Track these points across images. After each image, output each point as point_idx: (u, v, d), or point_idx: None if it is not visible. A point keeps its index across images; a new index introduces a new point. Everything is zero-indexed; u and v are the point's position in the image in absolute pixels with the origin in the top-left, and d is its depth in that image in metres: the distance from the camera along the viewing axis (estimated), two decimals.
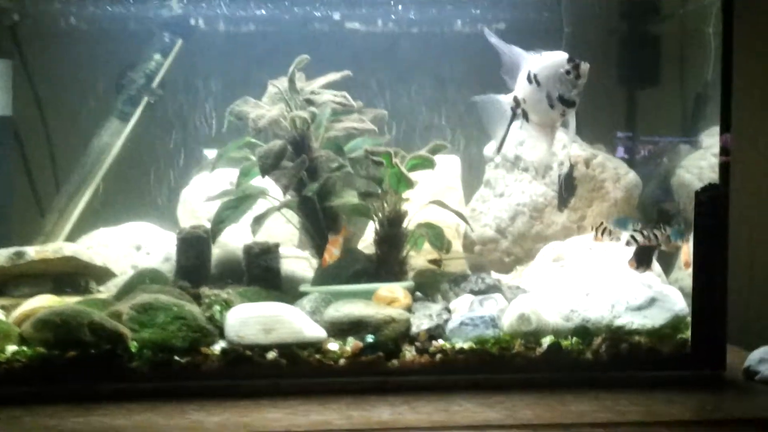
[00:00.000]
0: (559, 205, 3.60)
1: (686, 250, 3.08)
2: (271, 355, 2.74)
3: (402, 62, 3.93)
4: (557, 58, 2.69)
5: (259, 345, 2.75)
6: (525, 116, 2.80)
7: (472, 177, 3.93)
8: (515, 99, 2.80)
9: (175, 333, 2.74)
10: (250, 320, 2.80)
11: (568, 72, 2.65)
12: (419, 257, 3.51)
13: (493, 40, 2.80)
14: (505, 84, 2.85)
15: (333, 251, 3.17)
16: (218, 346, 2.77)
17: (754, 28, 3.39)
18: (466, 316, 2.94)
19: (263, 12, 3.69)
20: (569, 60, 2.67)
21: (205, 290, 3.06)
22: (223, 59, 3.86)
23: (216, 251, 3.55)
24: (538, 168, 3.48)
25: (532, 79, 2.71)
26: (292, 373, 2.72)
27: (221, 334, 2.80)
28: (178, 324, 2.78)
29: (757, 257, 3.63)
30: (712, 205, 2.86)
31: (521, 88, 2.77)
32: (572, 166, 3.62)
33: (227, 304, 2.92)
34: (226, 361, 2.72)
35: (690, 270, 3.06)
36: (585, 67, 2.66)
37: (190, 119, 3.90)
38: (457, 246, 3.67)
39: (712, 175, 3.51)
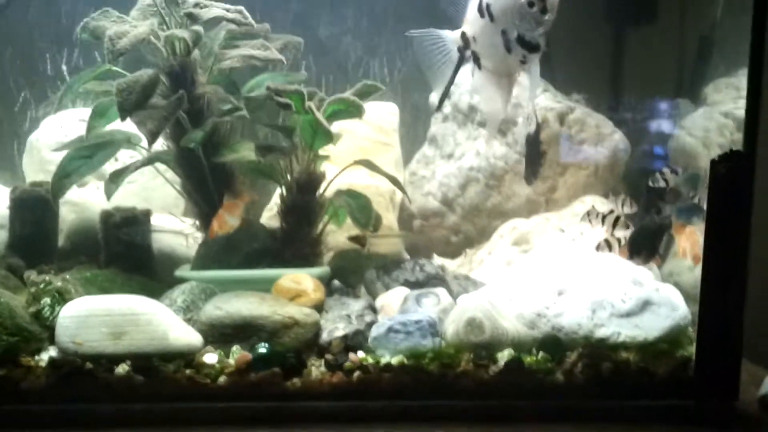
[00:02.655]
0: (527, 174, 3.07)
1: (691, 237, 2.65)
2: (122, 369, 2.34)
3: None
4: None
5: (104, 355, 2.33)
6: (476, 60, 2.40)
7: (415, 130, 3.51)
8: (463, 37, 2.38)
9: None
10: (92, 319, 2.36)
11: (530, 3, 2.24)
12: (340, 233, 3.05)
13: None
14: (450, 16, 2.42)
15: (226, 219, 2.66)
16: (46, 355, 2.36)
17: None
18: (396, 320, 2.46)
19: None
20: None
21: (32, 275, 2.57)
22: None
23: (71, 216, 3.09)
24: (490, 129, 3.02)
25: (484, 11, 2.31)
26: (151, 395, 2.36)
27: (52, 339, 2.38)
28: None
29: None
30: (732, 181, 2.39)
31: (471, 23, 2.37)
32: (539, 124, 3.08)
33: (61, 296, 2.43)
34: (57, 377, 2.34)
35: (690, 261, 2.70)
36: None
37: (40, 37, 3.35)
38: (390, 220, 3.22)
39: (720, 140, 3.13)
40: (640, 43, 3.44)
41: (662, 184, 2.66)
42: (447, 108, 3.32)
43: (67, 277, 2.49)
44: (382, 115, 3.33)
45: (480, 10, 2.31)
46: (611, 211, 2.72)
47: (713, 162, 2.44)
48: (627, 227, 2.66)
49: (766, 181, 2.55)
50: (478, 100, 3.28)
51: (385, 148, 3.33)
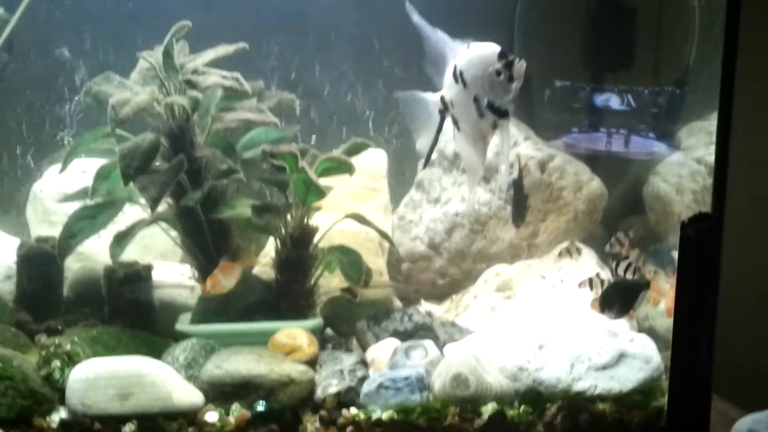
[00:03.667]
0: (515, 219, 3.13)
1: (659, 288, 2.68)
2: (129, 428, 2.39)
3: (317, 32, 3.40)
4: (485, 51, 2.22)
5: (112, 415, 2.39)
6: (455, 122, 2.37)
7: (403, 173, 3.51)
8: (442, 100, 2.35)
9: None
10: (100, 381, 2.42)
11: (498, 72, 2.20)
12: (333, 278, 3.07)
13: (416, 18, 2.32)
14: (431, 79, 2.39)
15: (220, 280, 2.67)
16: (57, 417, 2.42)
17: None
18: (386, 377, 2.55)
19: None
20: (500, 56, 2.20)
21: (42, 337, 2.62)
22: (88, 17, 3.30)
23: (75, 267, 3.11)
24: (470, 183, 3.01)
25: (458, 77, 2.28)
26: None
27: (62, 400, 2.44)
28: (2, 386, 2.38)
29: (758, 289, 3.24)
30: (701, 243, 2.42)
31: (448, 88, 2.33)
32: (521, 171, 3.14)
33: (70, 359, 2.49)
34: None
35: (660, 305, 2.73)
36: (520, 66, 2.19)
37: (44, 94, 3.36)
38: (380, 265, 3.22)
39: (692, 186, 3.18)
40: (616, 86, 3.44)
41: (617, 248, 2.71)
42: (434, 154, 3.28)
43: (76, 339, 2.53)
44: (371, 162, 3.33)
45: (455, 76, 2.29)
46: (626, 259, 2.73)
47: (683, 224, 2.47)
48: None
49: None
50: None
51: (373, 193, 3.34)
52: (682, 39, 3.34)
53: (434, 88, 2.38)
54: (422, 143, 2.53)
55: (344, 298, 3.00)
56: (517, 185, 3.20)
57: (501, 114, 2.27)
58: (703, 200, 3.25)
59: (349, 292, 2.93)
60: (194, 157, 2.79)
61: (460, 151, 2.68)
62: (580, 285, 2.68)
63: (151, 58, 2.81)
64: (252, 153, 2.86)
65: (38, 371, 2.44)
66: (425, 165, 2.73)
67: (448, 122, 2.46)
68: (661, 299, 2.71)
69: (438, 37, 2.31)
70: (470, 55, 2.24)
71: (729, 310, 2.58)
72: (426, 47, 2.33)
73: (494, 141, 3.24)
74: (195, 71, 2.74)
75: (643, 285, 2.63)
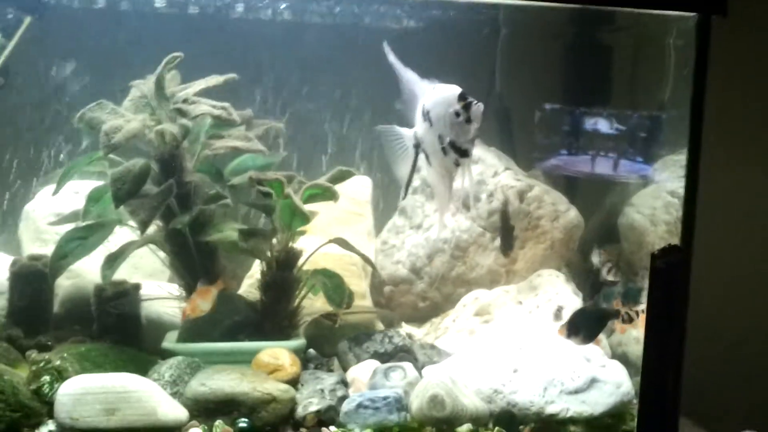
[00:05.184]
0: (503, 248, 3.22)
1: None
2: None
3: (305, 61, 3.50)
4: (448, 93, 2.34)
5: (98, 429, 2.42)
6: (426, 157, 2.47)
7: (387, 198, 3.58)
8: (415, 136, 2.46)
9: None
10: (87, 396, 2.45)
11: (457, 113, 2.32)
12: (317, 300, 3.10)
13: (391, 58, 2.41)
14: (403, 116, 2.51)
15: (198, 304, 2.72)
16: (46, 429, 2.45)
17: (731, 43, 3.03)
18: (365, 396, 2.60)
19: None
20: (459, 97, 2.31)
21: (33, 353, 2.65)
22: (83, 43, 3.37)
23: (66, 284, 3.13)
24: (440, 214, 3.06)
25: (425, 115, 2.39)
26: None
27: (51, 414, 2.46)
28: None
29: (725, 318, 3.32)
30: (671, 276, 2.49)
31: (418, 125, 2.44)
32: (507, 201, 3.23)
33: (60, 374, 2.52)
34: None
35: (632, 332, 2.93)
36: (477, 108, 2.31)
37: (39, 116, 3.44)
38: (363, 287, 3.27)
39: (666, 217, 3.25)
40: (593, 120, 3.50)
41: (599, 258, 2.78)
42: (416, 181, 3.37)
43: (65, 355, 2.56)
44: (355, 188, 3.40)
45: (423, 114, 2.40)
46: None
47: (653, 255, 2.55)
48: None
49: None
50: None
51: (357, 218, 3.40)
52: (657, 78, 3.45)
53: (409, 124, 2.49)
54: (400, 174, 2.60)
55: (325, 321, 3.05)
56: (505, 215, 3.29)
57: (461, 153, 2.37)
58: (676, 231, 3.31)
59: (330, 318, 2.99)
60: (183, 182, 2.86)
61: (431, 184, 2.78)
62: (555, 313, 2.78)
63: (143, 86, 2.90)
64: (239, 179, 2.92)
65: (28, 385, 2.48)
66: (403, 197, 2.80)
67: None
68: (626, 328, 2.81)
69: (409, 76, 2.42)
70: (435, 95, 2.35)
71: (698, 336, 2.68)
72: (400, 85, 2.44)
73: (476, 168, 3.38)
74: (185, 100, 2.82)
75: (610, 314, 2.71)
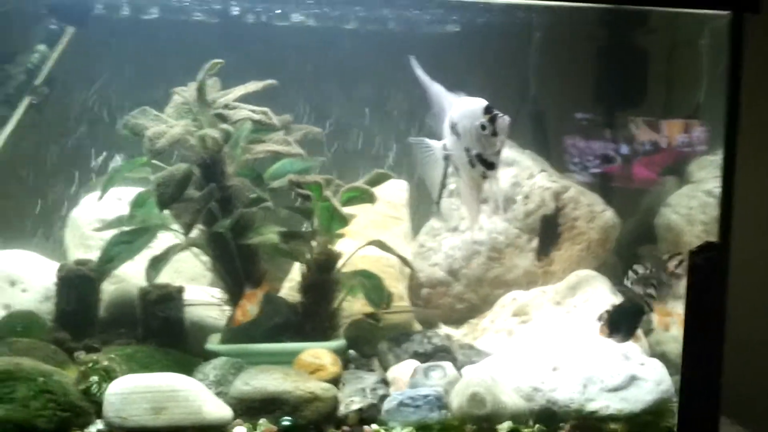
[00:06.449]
0: (539, 252, 3.24)
1: (664, 310, 2.80)
2: None
3: (343, 68, 3.55)
4: (474, 106, 2.35)
5: (146, 428, 2.45)
6: (455, 169, 2.48)
7: (423, 201, 3.54)
8: (444, 148, 2.48)
9: (40, 411, 2.42)
10: (135, 396, 2.48)
11: (483, 126, 2.31)
12: (356, 302, 3.15)
13: (418, 72, 2.43)
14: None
15: (248, 308, 2.75)
16: (94, 429, 2.48)
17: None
18: (406, 395, 2.62)
19: None
20: (485, 110, 2.31)
21: (81, 354, 2.70)
22: (126, 53, 3.44)
23: (110, 288, 3.19)
24: (471, 221, 3.13)
25: (453, 128, 2.41)
26: None
27: (99, 413, 2.49)
28: (44, 399, 2.44)
29: (763, 315, 3.30)
30: (709, 272, 2.49)
31: (447, 138, 2.46)
32: (557, 207, 3.26)
33: (108, 374, 2.57)
34: None
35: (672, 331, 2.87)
36: (503, 121, 2.30)
37: (83, 125, 3.51)
38: (400, 290, 3.30)
39: (702, 217, 3.25)
40: (628, 121, 3.57)
41: (641, 272, 2.79)
42: (452, 185, 3.32)
43: (113, 356, 2.62)
44: (392, 192, 3.45)
45: (450, 127, 2.41)
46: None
47: (691, 253, 2.57)
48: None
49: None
50: None
51: (395, 221, 3.45)
52: (692, 78, 3.45)
53: (439, 136, 2.51)
54: (431, 185, 2.64)
55: (367, 320, 3.08)
56: (549, 220, 3.31)
57: (488, 165, 2.38)
58: (713, 231, 3.32)
59: (372, 317, 3.03)
60: (225, 186, 2.91)
61: (461, 194, 2.77)
62: (598, 319, 2.79)
63: (185, 93, 2.96)
64: (279, 182, 2.97)
65: (77, 386, 2.53)
66: (437, 205, 2.81)
67: None
68: (670, 324, 2.81)
69: (436, 89, 2.44)
70: (462, 108, 2.36)
71: (737, 334, 2.67)
72: (429, 98, 2.46)
73: (511, 171, 3.39)
74: (226, 106, 2.88)
75: (644, 308, 2.71)
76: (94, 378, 2.54)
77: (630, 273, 2.82)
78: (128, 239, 2.91)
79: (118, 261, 2.88)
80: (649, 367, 2.73)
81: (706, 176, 3.39)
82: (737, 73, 2.75)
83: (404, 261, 3.11)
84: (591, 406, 2.61)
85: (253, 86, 2.96)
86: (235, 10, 3.33)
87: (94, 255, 3.10)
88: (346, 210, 2.91)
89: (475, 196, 2.53)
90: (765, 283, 3.33)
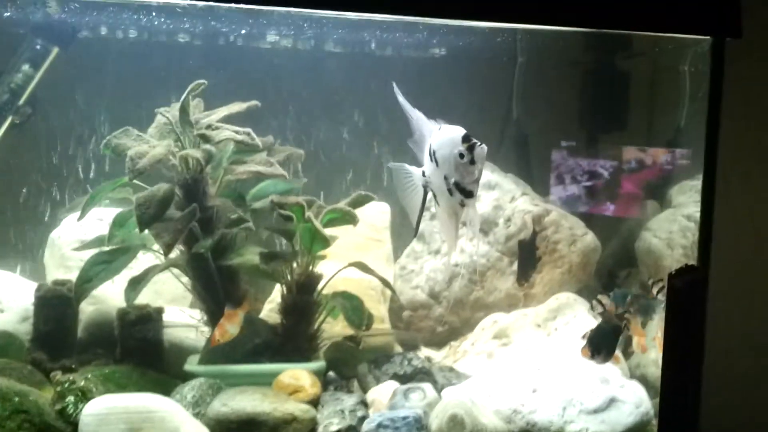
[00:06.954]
0: (519, 276, 3.22)
1: (642, 332, 2.79)
2: None
3: (326, 89, 3.55)
4: (453, 134, 2.30)
5: None
6: (434, 196, 2.43)
7: (406, 224, 3.50)
8: (423, 175, 2.44)
9: (15, 431, 2.40)
10: (111, 416, 2.47)
11: (461, 155, 2.28)
12: (336, 324, 3.14)
13: (400, 99, 2.42)
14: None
15: (227, 328, 2.72)
16: None
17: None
18: (385, 416, 2.60)
19: (161, 20, 3.22)
20: (464, 139, 2.28)
21: (58, 374, 2.67)
22: (110, 74, 3.45)
23: (89, 309, 3.16)
24: (449, 248, 3.08)
25: (432, 156, 2.37)
26: None
27: None
28: (19, 419, 2.43)
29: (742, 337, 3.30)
30: (689, 295, 2.49)
31: (426, 165, 2.42)
32: (535, 231, 3.25)
33: (84, 395, 2.54)
34: None
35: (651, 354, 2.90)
36: (481, 150, 2.26)
37: (65, 145, 3.48)
38: (381, 312, 3.28)
39: (682, 241, 3.26)
40: (610, 146, 3.62)
41: (600, 309, 2.79)
42: (434, 208, 3.42)
43: (89, 375, 2.59)
44: (374, 214, 3.43)
45: (429, 154, 2.37)
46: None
47: (670, 275, 2.56)
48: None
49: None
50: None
51: (376, 244, 3.43)
52: (674, 103, 3.48)
53: (420, 163, 2.45)
54: (410, 211, 2.56)
55: (347, 342, 3.07)
56: (528, 244, 3.31)
57: (466, 194, 2.33)
58: (693, 255, 3.33)
59: (352, 340, 3.01)
60: (206, 206, 2.90)
61: (439, 221, 2.75)
62: (582, 338, 2.78)
63: (168, 113, 2.95)
64: (261, 203, 2.96)
65: (53, 406, 2.50)
66: (415, 233, 2.81)
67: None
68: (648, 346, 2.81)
69: (417, 116, 2.39)
70: (440, 136, 2.32)
71: (717, 361, 2.67)
72: (411, 124, 2.43)
73: (494, 194, 3.40)
74: (209, 126, 2.87)
75: (621, 327, 2.71)
76: (70, 398, 2.51)
77: (594, 303, 2.82)
78: (108, 259, 2.87)
79: (97, 281, 2.84)
80: (628, 389, 2.73)
81: (686, 200, 3.41)
82: (718, 97, 2.78)
83: (385, 283, 3.10)
84: (570, 429, 2.60)
85: (236, 107, 2.96)
86: (220, 32, 3.33)
87: (73, 275, 3.05)
88: (328, 231, 2.90)
89: (453, 223, 2.48)
90: (744, 308, 3.34)
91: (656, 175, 3.53)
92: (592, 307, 2.83)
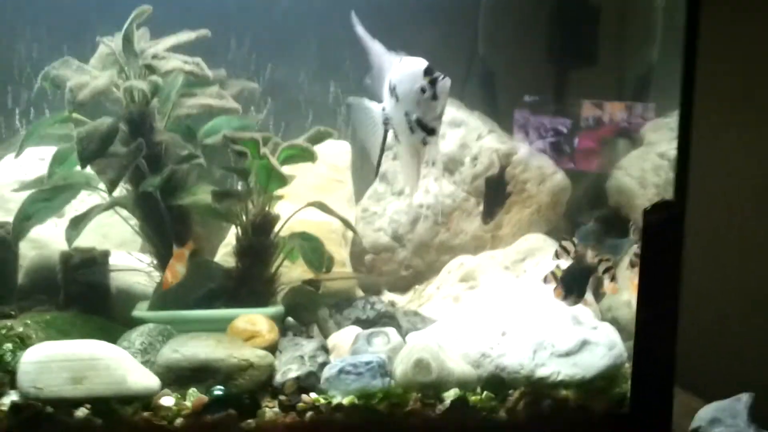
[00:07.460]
0: (485, 214, 3.09)
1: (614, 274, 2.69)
2: (82, 412, 2.31)
3: (282, 19, 3.33)
4: (414, 67, 2.20)
5: (64, 399, 2.31)
6: (395, 134, 2.33)
7: (367, 166, 3.36)
8: (383, 111, 2.33)
9: None
10: (53, 364, 2.34)
11: (423, 90, 2.17)
12: (295, 268, 3.01)
13: (359, 30, 2.28)
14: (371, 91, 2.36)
15: (177, 269, 2.58)
16: (8, 400, 2.33)
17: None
18: (347, 362, 2.49)
19: None
20: (426, 72, 2.17)
21: None
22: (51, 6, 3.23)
23: (32, 254, 3.00)
24: (409, 189, 2.98)
25: (392, 91, 2.25)
26: None
27: (13, 383, 2.35)
28: None
29: (718, 283, 3.21)
30: (663, 229, 2.39)
31: (386, 101, 2.31)
32: (503, 167, 3.12)
33: (22, 341, 2.41)
34: (18, 421, 2.29)
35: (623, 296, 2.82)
36: (443, 84, 2.16)
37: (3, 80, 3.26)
38: (343, 256, 3.18)
39: (655, 179, 3.16)
40: (580, 83, 3.47)
41: (565, 256, 2.69)
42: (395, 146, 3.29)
43: (28, 321, 2.45)
44: (335, 154, 3.30)
45: (390, 89, 2.27)
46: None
47: (645, 211, 2.46)
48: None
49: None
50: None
51: (337, 184, 3.31)
52: (646, 38, 3.36)
53: (380, 99, 2.35)
54: (371, 149, 2.48)
55: (306, 287, 2.94)
56: (495, 181, 3.19)
57: (428, 131, 2.24)
58: (665, 194, 3.25)
59: (312, 283, 2.88)
60: (154, 141, 2.73)
61: (400, 161, 2.64)
62: (544, 280, 2.68)
63: (111, 43, 2.76)
64: (213, 139, 2.80)
65: None
66: (376, 173, 2.68)
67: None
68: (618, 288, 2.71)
69: (377, 48, 2.29)
70: (401, 70, 2.21)
71: (691, 303, 2.58)
72: (369, 58, 2.31)
73: (459, 132, 3.26)
74: (155, 56, 2.69)
75: (591, 268, 2.61)
76: (8, 346, 2.38)
77: (558, 250, 2.71)
78: (48, 197, 2.72)
79: (36, 219, 2.69)
80: (601, 331, 2.62)
81: (660, 139, 3.30)
82: (694, 32, 2.66)
83: (347, 224, 2.97)
84: (541, 372, 2.50)
85: (185, 36, 2.77)
86: None
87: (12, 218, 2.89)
88: (286, 170, 2.75)
89: (415, 163, 2.38)
90: (720, 248, 3.25)
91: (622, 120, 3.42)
92: (556, 255, 2.71)
